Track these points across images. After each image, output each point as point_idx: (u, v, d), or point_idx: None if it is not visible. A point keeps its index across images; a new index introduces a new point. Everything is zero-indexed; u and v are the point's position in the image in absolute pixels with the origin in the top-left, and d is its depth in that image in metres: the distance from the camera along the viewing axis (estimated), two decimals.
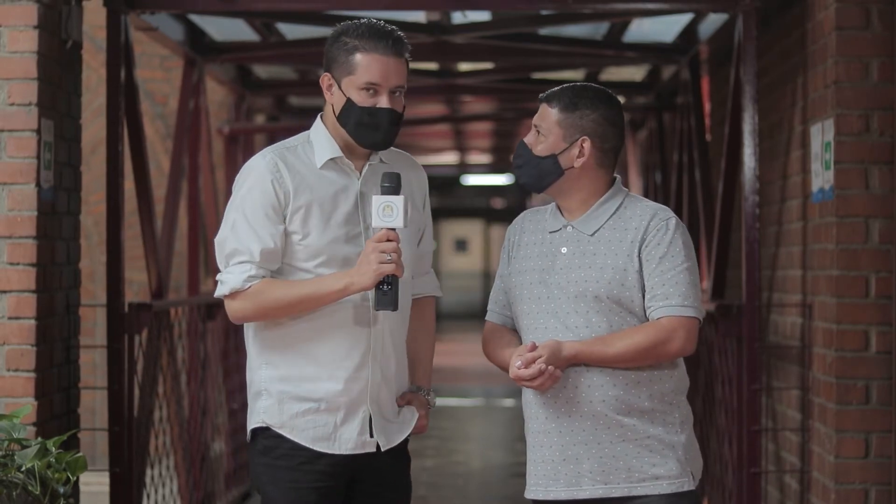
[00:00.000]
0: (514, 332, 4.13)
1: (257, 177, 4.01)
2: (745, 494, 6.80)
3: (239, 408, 9.51)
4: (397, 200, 3.92)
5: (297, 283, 3.99)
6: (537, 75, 11.46)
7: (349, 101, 4.02)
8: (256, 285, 3.96)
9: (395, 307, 3.94)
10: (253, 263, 3.97)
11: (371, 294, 4.00)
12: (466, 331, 30.53)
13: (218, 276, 4.02)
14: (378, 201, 3.92)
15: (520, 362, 3.91)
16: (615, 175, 4.11)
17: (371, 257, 3.91)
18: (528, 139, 4.08)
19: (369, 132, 4.04)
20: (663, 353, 3.95)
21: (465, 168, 23.32)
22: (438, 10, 8.24)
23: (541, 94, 4.09)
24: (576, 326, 3.97)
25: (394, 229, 3.92)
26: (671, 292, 3.95)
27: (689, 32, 8.84)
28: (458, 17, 8.57)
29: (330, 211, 4.01)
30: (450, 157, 20.03)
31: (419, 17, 8.71)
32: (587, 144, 4.01)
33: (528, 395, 4.04)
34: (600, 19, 8.49)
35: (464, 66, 11.03)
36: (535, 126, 4.07)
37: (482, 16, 8.71)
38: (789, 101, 7.17)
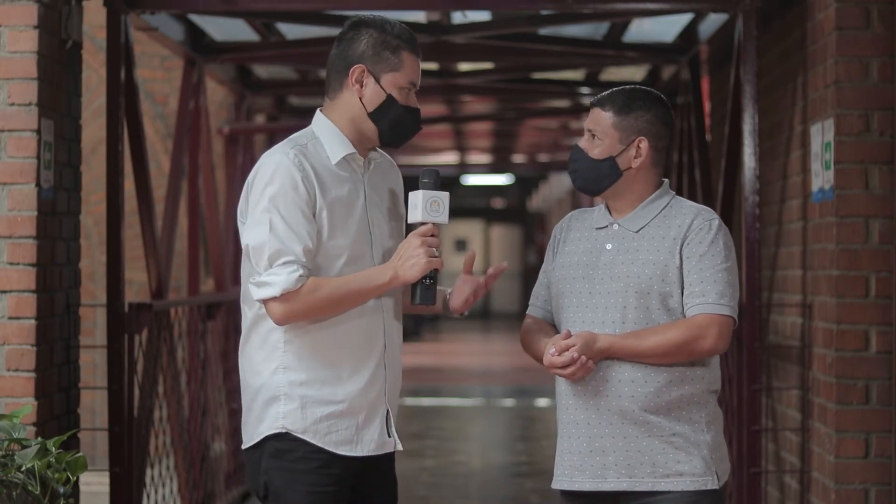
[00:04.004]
0: (553, 326, 4.19)
1: (286, 175, 3.93)
2: (745, 494, 6.80)
3: (239, 408, 9.50)
4: (444, 196, 3.94)
5: (341, 279, 3.96)
6: (537, 75, 11.47)
7: (390, 98, 4.02)
8: (307, 285, 3.90)
9: (434, 301, 3.96)
10: (299, 264, 3.90)
11: (387, 292, 4.01)
12: (467, 331, 30.53)
13: (259, 279, 3.92)
14: (426, 196, 3.93)
15: (553, 349, 3.98)
16: (664, 178, 4.18)
17: (420, 251, 3.91)
18: (583, 143, 4.14)
19: (403, 130, 4.07)
20: (696, 349, 4.00)
21: (465, 168, 23.31)
22: (438, 10, 8.24)
23: (591, 100, 4.17)
24: (612, 322, 4.03)
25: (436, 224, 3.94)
26: (708, 290, 4.01)
27: (689, 32, 8.84)
28: (458, 17, 8.57)
29: (349, 209, 4.00)
30: (450, 157, 20.00)
31: (419, 17, 8.71)
32: (644, 144, 4.10)
33: (561, 386, 4.10)
34: (600, 19, 8.49)
35: (464, 66, 11.03)
36: (590, 130, 4.13)
37: (482, 16, 8.71)
38: (789, 101, 7.17)
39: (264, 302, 3.93)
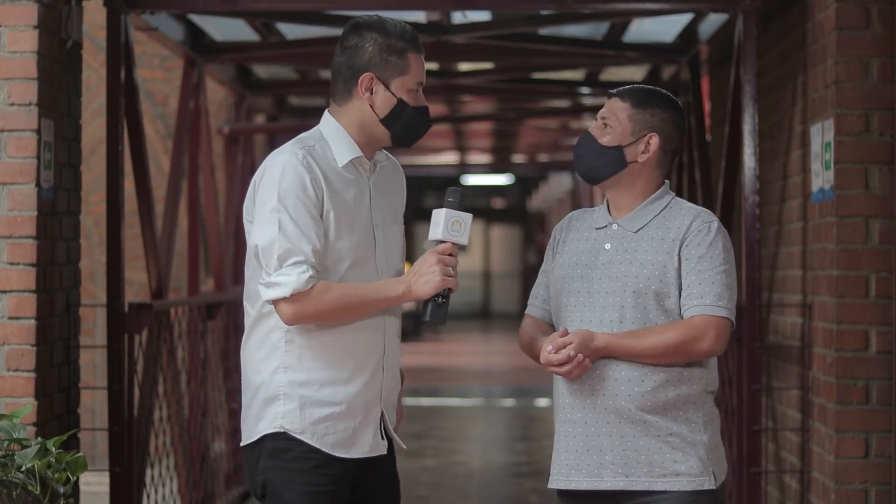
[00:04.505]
0: (552, 326, 4.19)
1: (294, 175, 3.91)
2: (745, 494, 6.80)
3: (239, 408, 9.50)
4: (466, 217, 3.94)
5: (354, 286, 3.95)
6: (537, 75, 11.46)
7: (401, 103, 4.01)
8: (317, 286, 3.89)
9: (444, 320, 3.93)
10: (308, 264, 3.88)
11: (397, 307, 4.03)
12: (467, 331, 30.53)
13: (268, 279, 3.90)
14: (448, 215, 3.93)
15: (550, 347, 3.97)
16: (665, 180, 4.19)
17: (435, 268, 3.89)
18: (594, 130, 4.15)
19: (416, 131, 4.07)
20: (694, 351, 4.00)
21: (465, 168, 23.29)
22: (438, 10, 8.24)
23: (611, 90, 4.17)
24: (610, 321, 4.03)
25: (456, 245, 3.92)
26: (706, 291, 4.01)
27: (689, 32, 8.84)
28: (458, 17, 8.58)
29: (353, 213, 3.99)
30: (450, 157, 19.99)
31: (419, 17, 8.71)
32: (654, 141, 4.11)
33: (558, 386, 4.09)
34: (600, 19, 8.49)
35: (464, 66, 11.03)
36: (603, 119, 4.14)
37: (482, 16, 8.71)
38: (789, 101, 7.17)
39: (274, 302, 3.92)
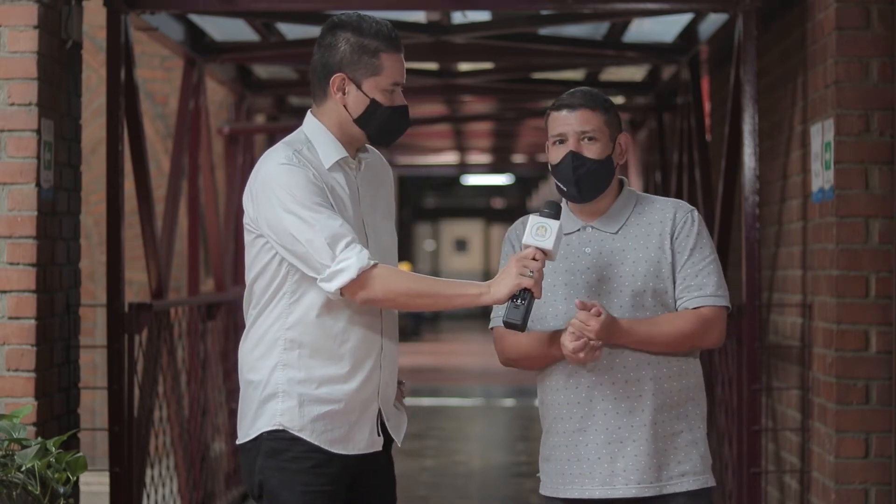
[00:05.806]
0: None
1: (300, 174, 3.90)
2: (745, 494, 6.80)
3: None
4: (553, 224, 3.90)
5: (429, 277, 3.97)
6: (537, 75, 11.47)
7: (374, 103, 3.99)
8: (383, 267, 3.87)
9: (520, 323, 3.87)
10: (357, 243, 3.86)
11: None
12: (467, 331, 30.53)
13: (328, 271, 3.84)
14: (534, 221, 3.92)
15: (595, 319, 3.89)
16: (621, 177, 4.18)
17: (512, 270, 3.86)
18: (575, 147, 4.05)
19: (392, 130, 4.05)
20: (704, 340, 4.03)
21: (465, 168, 23.30)
22: (438, 10, 8.24)
23: (561, 104, 4.07)
24: None
25: (542, 251, 3.87)
26: (705, 282, 4.03)
27: (689, 32, 8.84)
28: (458, 17, 8.58)
29: (345, 213, 3.97)
30: (450, 157, 19.99)
31: (419, 17, 8.72)
32: (625, 140, 4.12)
33: (559, 397, 4.07)
34: (600, 19, 8.49)
35: (464, 66, 11.03)
36: (583, 132, 4.04)
37: (482, 16, 8.71)
38: (789, 101, 7.17)
39: (344, 290, 3.87)
